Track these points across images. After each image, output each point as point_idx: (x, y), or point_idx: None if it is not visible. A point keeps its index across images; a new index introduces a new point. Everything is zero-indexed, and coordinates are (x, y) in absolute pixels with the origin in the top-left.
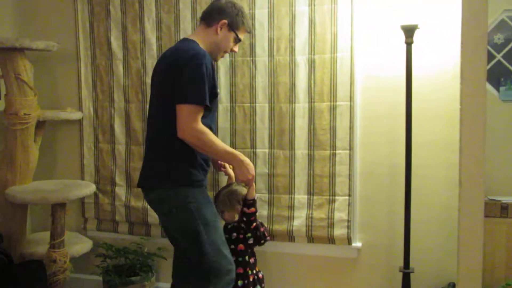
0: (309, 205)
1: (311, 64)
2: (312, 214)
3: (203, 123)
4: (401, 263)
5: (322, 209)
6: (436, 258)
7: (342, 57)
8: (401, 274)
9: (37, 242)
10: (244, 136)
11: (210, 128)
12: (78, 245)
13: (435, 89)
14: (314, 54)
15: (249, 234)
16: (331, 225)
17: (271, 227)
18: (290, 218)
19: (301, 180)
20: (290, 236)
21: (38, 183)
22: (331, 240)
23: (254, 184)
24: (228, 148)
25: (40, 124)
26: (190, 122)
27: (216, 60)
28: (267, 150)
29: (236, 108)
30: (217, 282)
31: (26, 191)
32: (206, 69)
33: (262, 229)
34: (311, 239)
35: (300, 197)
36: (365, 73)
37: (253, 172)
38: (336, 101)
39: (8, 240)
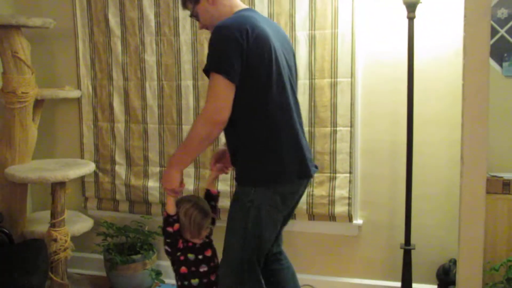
0: (310, 182)
1: (312, 40)
2: (313, 191)
3: None
4: (402, 240)
5: (323, 186)
6: (437, 235)
7: (343, 33)
8: (402, 250)
9: (38, 221)
10: None
11: None
12: (79, 224)
13: (437, 65)
14: (314, 30)
15: None
16: (332, 202)
17: None
18: None
19: None
20: None
21: (38, 162)
22: (332, 217)
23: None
24: None
25: (38, 103)
26: None
27: None
28: None
29: None
30: None
31: (26, 170)
32: None
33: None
34: (312, 216)
35: None
36: (367, 49)
37: None
38: (337, 78)
39: (9, 219)
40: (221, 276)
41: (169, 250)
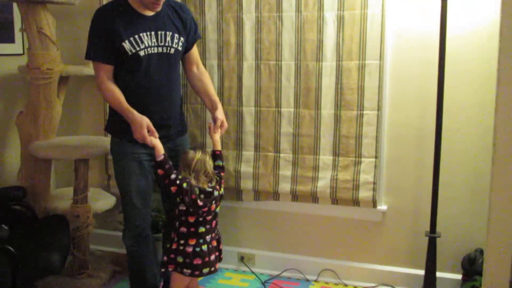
0: (334, 166)
1: (340, 21)
2: (337, 175)
3: (127, 81)
4: (427, 227)
5: (348, 170)
6: (463, 224)
7: (373, 14)
8: (426, 238)
9: (61, 197)
10: (269, 95)
11: (140, 87)
12: (102, 201)
13: (470, 49)
14: (343, 10)
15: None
16: (356, 187)
17: (294, 187)
18: (314, 179)
19: (326, 140)
20: (314, 197)
21: (62, 138)
22: (355, 202)
23: (155, 143)
24: (124, 106)
25: (63, 80)
26: (95, 78)
27: (150, 9)
28: (292, 110)
29: (262, 66)
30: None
31: (49, 146)
32: (94, 25)
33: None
34: (335, 200)
35: (325, 158)
36: (396, 31)
37: (141, 132)
38: (365, 60)
39: (32, 195)
40: None
41: None
